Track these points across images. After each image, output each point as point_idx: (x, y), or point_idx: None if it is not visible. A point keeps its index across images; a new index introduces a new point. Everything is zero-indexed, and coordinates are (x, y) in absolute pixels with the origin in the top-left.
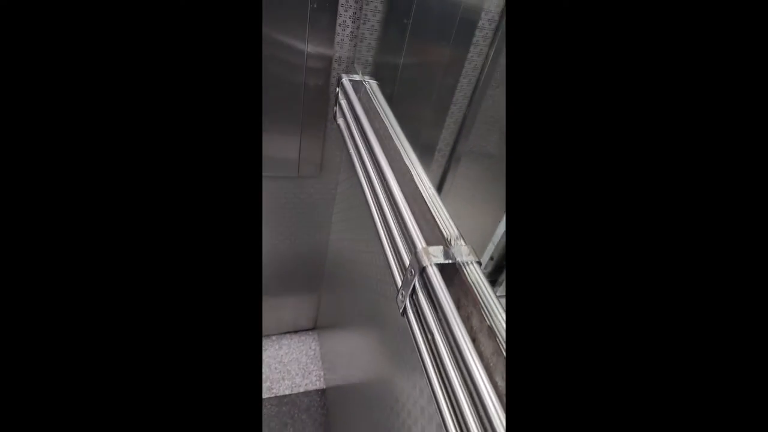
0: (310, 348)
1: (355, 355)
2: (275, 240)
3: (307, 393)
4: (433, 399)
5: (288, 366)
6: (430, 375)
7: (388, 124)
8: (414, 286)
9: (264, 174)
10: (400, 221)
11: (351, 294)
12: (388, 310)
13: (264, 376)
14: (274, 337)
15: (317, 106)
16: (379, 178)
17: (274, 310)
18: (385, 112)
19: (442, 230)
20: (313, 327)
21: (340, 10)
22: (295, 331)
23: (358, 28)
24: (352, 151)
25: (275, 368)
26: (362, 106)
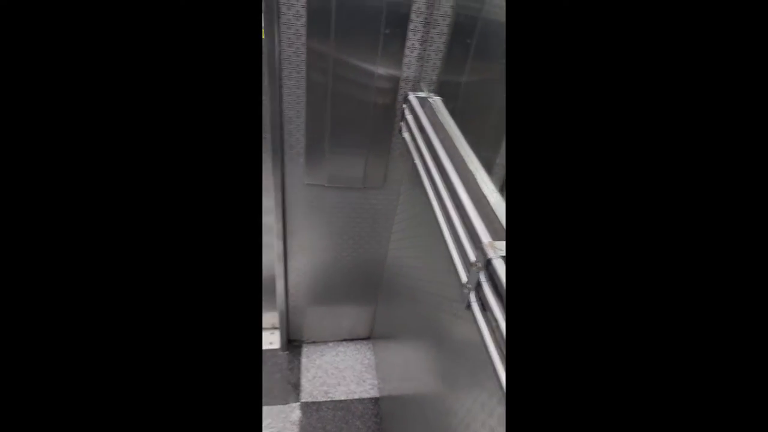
0: (365, 357)
1: (410, 365)
2: (339, 249)
3: (361, 400)
4: (499, 392)
5: (344, 372)
6: (495, 365)
7: (452, 135)
8: (479, 279)
9: (331, 185)
10: (466, 220)
11: (408, 302)
12: (448, 313)
13: (321, 381)
14: (331, 344)
15: (384, 122)
16: (444, 182)
17: (333, 317)
18: (449, 125)
19: (506, 228)
20: (369, 336)
21: (409, 34)
22: (351, 339)
23: (424, 50)
24: (417, 161)
25: (332, 374)
26: (428, 119)
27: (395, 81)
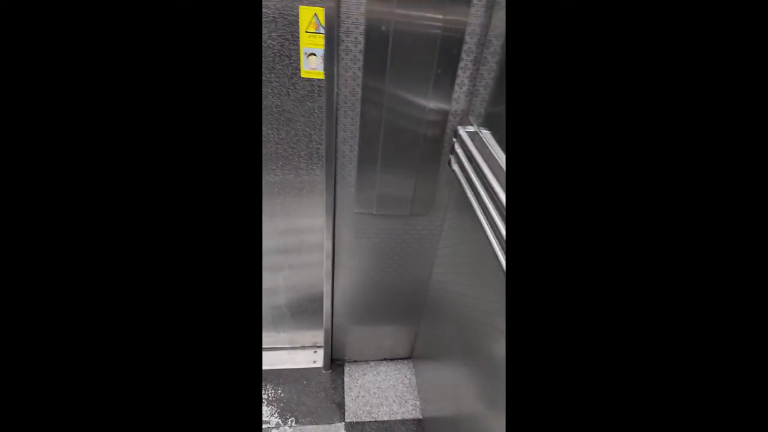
0: (406, 377)
1: (456, 388)
2: (383, 272)
3: (404, 421)
4: None
5: (386, 392)
6: None
7: (504, 168)
8: None
9: (379, 213)
10: None
11: (454, 326)
12: (499, 342)
13: (364, 400)
14: (372, 363)
15: (432, 153)
16: (499, 212)
17: (375, 337)
18: (500, 157)
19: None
20: (409, 356)
21: (459, 72)
22: (392, 359)
23: (474, 85)
24: (469, 192)
25: (374, 393)
26: (479, 152)
27: (445, 114)
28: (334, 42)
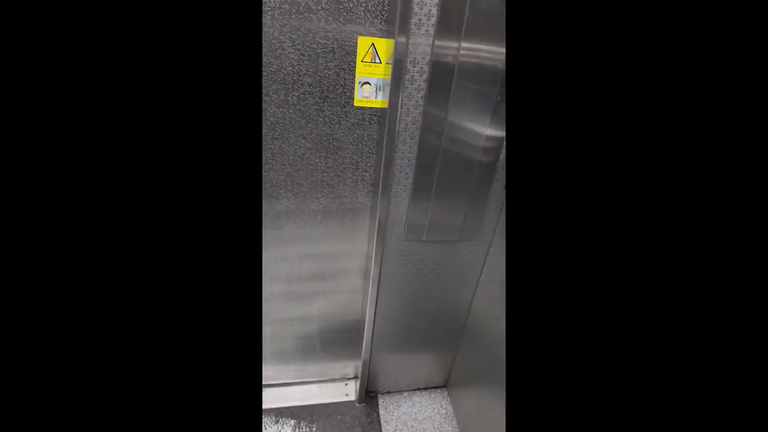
0: (441, 406)
1: (500, 417)
2: (425, 298)
3: None
4: None
5: (423, 424)
6: None
7: None
8: None
9: (429, 239)
10: None
11: (496, 352)
12: None
13: None
14: (406, 393)
15: (485, 179)
16: None
17: (411, 366)
18: None
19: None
20: (444, 384)
21: None
22: (426, 388)
23: None
24: None
25: (412, 426)
26: None
27: (500, 141)
28: (402, 71)
